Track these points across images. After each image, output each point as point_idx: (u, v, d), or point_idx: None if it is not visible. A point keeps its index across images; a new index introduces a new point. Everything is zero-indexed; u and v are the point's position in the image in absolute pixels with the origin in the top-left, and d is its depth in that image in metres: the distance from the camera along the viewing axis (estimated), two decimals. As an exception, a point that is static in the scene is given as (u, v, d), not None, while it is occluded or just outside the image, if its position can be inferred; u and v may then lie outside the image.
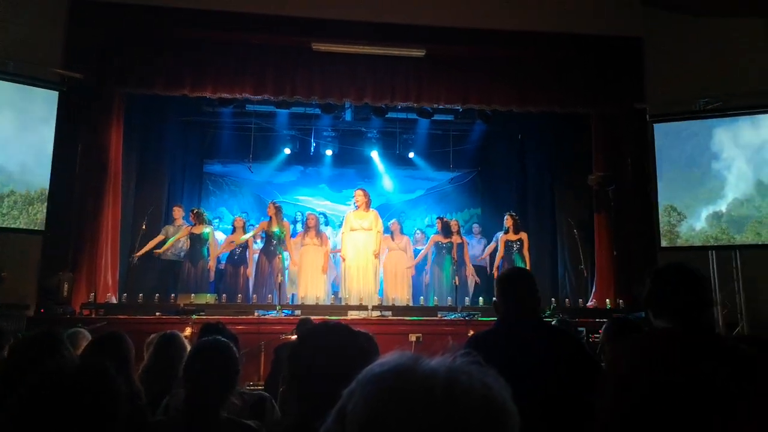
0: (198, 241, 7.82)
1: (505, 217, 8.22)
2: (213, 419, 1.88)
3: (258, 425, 2.07)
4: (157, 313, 6.40)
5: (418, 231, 9.32)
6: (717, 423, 1.42)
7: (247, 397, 2.69)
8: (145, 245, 7.60)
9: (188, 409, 1.91)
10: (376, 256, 7.68)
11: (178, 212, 8.08)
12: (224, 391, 1.92)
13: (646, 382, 1.50)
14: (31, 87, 6.55)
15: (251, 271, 7.93)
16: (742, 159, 6.84)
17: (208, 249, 7.92)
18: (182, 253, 7.97)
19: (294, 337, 5.52)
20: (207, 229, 7.88)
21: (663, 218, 7.00)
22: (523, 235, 8.11)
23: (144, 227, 7.65)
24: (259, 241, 8.39)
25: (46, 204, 6.48)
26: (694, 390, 1.45)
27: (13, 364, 2.07)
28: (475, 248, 8.97)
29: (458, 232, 8.47)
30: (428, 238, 8.62)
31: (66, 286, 6.29)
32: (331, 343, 1.48)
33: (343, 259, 7.67)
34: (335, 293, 8.03)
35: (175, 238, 7.84)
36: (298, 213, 10.19)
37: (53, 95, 6.67)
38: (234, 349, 2.03)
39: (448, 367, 0.65)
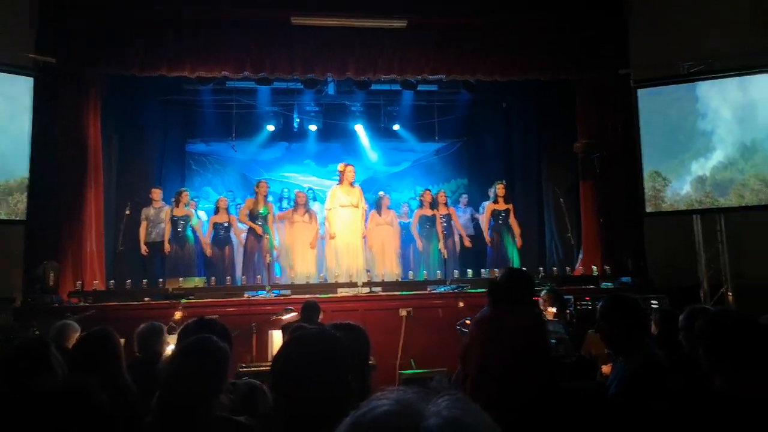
0: (181, 224, 7.75)
1: (497, 186, 8.22)
2: (195, 422, 1.87)
3: (250, 420, 2.09)
4: (146, 299, 6.38)
5: (404, 205, 9.30)
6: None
7: (239, 387, 2.70)
8: (128, 233, 7.54)
9: (161, 413, 1.90)
10: (364, 236, 7.72)
11: (156, 194, 7.97)
12: (204, 395, 1.89)
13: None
14: (5, 73, 6.37)
15: (230, 252, 7.92)
16: (726, 122, 6.86)
17: (192, 231, 7.88)
18: (170, 234, 7.89)
19: (285, 317, 5.55)
20: (190, 213, 7.88)
21: (648, 184, 7.04)
22: (509, 206, 8.17)
23: (128, 211, 7.55)
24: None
25: (26, 193, 6.37)
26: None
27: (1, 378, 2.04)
28: (461, 218, 9.01)
29: (445, 204, 8.48)
30: (413, 211, 8.61)
31: (52, 274, 6.23)
32: (311, 359, 1.51)
33: (332, 237, 7.66)
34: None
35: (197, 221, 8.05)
36: (285, 190, 10.14)
37: (28, 81, 6.50)
38: (218, 350, 1.99)
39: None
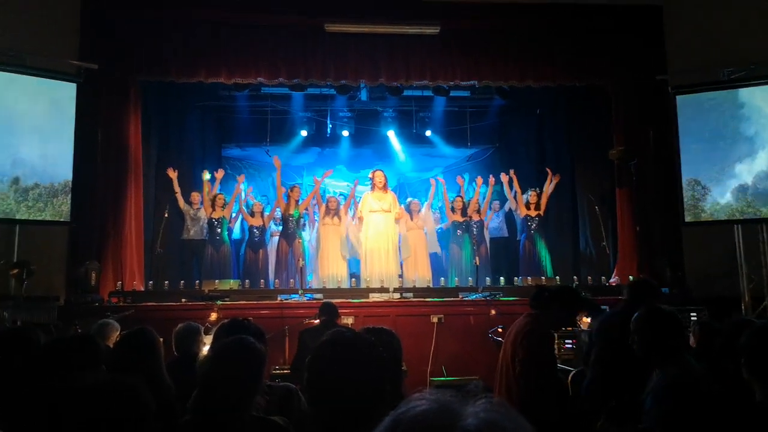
0: (218, 226, 7.89)
1: (529, 193, 8.16)
2: (232, 422, 1.90)
3: (285, 422, 2.12)
4: (183, 300, 6.52)
5: (435, 212, 9.27)
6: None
7: (276, 390, 2.74)
8: (166, 234, 7.70)
9: (199, 413, 1.94)
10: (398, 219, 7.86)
11: (196, 197, 8.13)
12: (241, 395, 1.91)
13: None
14: (51, 80, 6.61)
15: (264, 255, 8.02)
16: (770, 127, 6.66)
17: (228, 234, 8.02)
18: (206, 233, 8.04)
19: (317, 321, 5.59)
20: (224, 214, 8.01)
21: (687, 192, 6.88)
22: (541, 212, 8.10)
23: (166, 214, 7.73)
24: (278, 223, 8.45)
25: (70, 195, 6.59)
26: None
27: (48, 367, 2.12)
28: (494, 221, 8.97)
29: (477, 210, 8.43)
30: (444, 217, 8.58)
31: (93, 275, 6.43)
32: (343, 364, 1.52)
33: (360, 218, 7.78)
34: (353, 275, 8.02)
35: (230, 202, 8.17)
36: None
37: (72, 86, 6.73)
38: (256, 351, 2.00)
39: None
